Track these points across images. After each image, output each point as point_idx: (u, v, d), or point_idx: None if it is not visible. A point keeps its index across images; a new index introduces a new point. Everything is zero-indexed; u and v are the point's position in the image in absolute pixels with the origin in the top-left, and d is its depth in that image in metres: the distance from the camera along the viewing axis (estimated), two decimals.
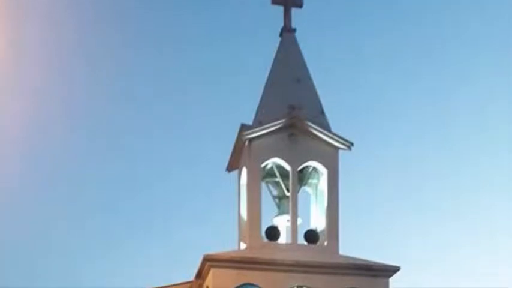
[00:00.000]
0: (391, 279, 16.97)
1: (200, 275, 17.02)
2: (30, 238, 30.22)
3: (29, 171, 29.04)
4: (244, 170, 17.56)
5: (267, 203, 17.84)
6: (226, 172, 18.58)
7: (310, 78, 18.04)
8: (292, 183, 17.29)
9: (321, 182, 17.63)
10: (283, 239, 17.44)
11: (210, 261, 16.42)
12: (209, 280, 16.54)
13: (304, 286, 16.69)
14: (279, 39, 18.47)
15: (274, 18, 18.47)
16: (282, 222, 17.66)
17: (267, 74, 18.20)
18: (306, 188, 18.16)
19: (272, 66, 18.23)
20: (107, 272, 30.32)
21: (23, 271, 30.46)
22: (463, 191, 29.13)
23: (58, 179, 30.18)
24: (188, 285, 17.80)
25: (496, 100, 28.23)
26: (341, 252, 17.16)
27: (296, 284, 16.68)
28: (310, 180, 18.04)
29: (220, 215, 25.99)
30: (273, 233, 17.24)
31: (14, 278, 29.57)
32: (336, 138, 17.36)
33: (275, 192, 18.15)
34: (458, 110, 28.85)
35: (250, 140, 17.20)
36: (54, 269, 30.57)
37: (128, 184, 30.97)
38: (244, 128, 17.25)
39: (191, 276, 17.48)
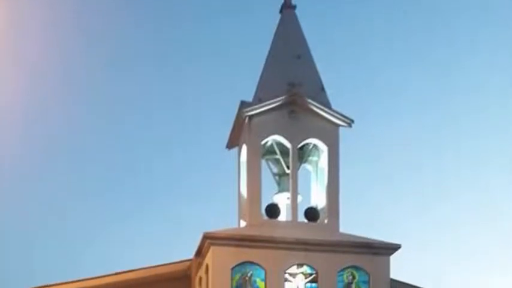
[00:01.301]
0: (392, 257, 16.93)
1: (200, 253, 16.98)
2: (28, 217, 30.21)
3: (28, 150, 28.98)
4: (244, 147, 17.47)
5: (267, 181, 17.81)
6: (226, 149, 18.52)
7: (310, 55, 17.92)
8: (293, 161, 17.21)
9: (321, 159, 17.55)
10: (283, 217, 17.38)
11: (209, 239, 16.37)
12: (209, 258, 16.49)
13: (304, 264, 16.65)
14: (279, 16, 18.34)
15: None
16: (282, 200, 17.60)
17: (267, 51, 18.11)
18: (306, 166, 18.08)
19: (272, 43, 18.14)
20: (107, 250, 30.30)
21: (21, 251, 30.51)
22: (463, 168, 29.07)
23: (57, 156, 30.14)
24: (188, 263, 17.79)
25: (497, 76, 28.12)
26: (341, 230, 17.10)
27: (296, 262, 16.63)
28: (310, 158, 17.96)
29: (220, 192, 25.98)
30: (273, 210, 17.18)
31: (12, 258, 29.69)
32: (337, 115, 17.26)
33: (275, 170, 18.08)
34: (459, 87, 28.76)
35: (250, 117, 17.11)
36: (52, 247, 30.60)
37: (127, 162, 30.93)
38: (244, 105, 17.16)
39: (191, 255, 17.46)
